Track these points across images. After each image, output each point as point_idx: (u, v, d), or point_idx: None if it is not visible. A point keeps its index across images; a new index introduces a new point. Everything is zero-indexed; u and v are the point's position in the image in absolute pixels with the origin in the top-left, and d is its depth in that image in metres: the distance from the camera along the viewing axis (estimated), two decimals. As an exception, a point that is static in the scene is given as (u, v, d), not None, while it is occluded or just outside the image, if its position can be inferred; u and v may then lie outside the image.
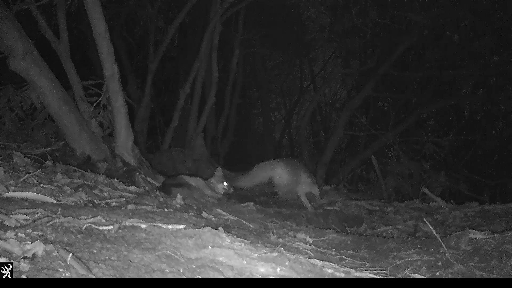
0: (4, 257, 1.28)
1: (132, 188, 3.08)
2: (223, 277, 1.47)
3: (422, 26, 7.49)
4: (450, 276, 1.87)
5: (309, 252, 2.13)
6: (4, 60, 3.68)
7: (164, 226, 1.87)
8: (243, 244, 1.78)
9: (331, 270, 1.69)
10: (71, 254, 1.32)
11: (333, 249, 2.34)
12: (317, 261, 1.76)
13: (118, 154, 4.01)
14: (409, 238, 2.65)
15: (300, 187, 3.98)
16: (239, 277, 1.51)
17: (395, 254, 2.26)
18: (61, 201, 2.28)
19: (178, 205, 2.78)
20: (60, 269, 1.27)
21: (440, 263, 2.00)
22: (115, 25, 7.72)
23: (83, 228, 1.70)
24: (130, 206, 2.41)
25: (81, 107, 4.28)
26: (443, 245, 2.15)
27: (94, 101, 4.39)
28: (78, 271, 1.26)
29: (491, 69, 8.25)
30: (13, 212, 1.79)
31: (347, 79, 10.11)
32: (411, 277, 1.79)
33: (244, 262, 1.60)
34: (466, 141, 9.08)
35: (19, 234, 1.48)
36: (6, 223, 1.63)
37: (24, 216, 1.74)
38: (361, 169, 8.63)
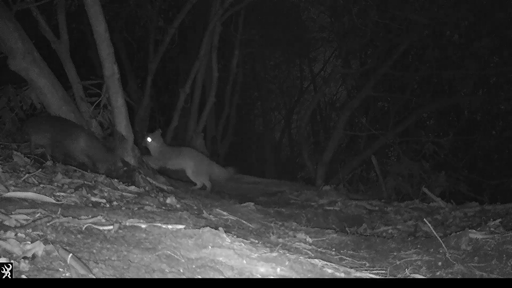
0: (4, 257, 1.27)
1: (132, 188, 3.08)
2: (223, 277, 1.47)
3: (422, 26, 7.48)
4: (450, 276, 1.87)
5: (309, 252, 2.13)
6: (4, 60, 3.68)
7: (164, 226, 1.87)
8: (243, 244, 1.78)
9: (331, 270, 1.69)
10: (71, 254, 1.32)
11: (333, 249, 2.34)
12: (317, 261, 1.76)
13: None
14: (409, 238, 2.65)
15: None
16: (239, 277, 1.51)
17: (395, 254, 2.26)
18: (61, 201, 2.28)
19: (178, 205, 2.78)
20: (60, 269, 1.27)
21: (440, 263, 2.00)
22: (115, 25, 7.72)
23: (83, 228, 1.70)
24: (130, 206, 2.41)
25: (81, 107, 4.27)
26: (443, 245, 2.15)
27: (94, 101, 4.39)
28: (78, 271, 1.26)
29: (491, 69, 8.24)
30: (13, 212, 1.78)
31: (347, 79, 10.11)
32: (411, 277, 1.79)
33: (244, 262, 1.60)
34: (466, 141, 9.07)
35: (19, 234, 1.48)
36: (6, 223, 1.63)
37: (24, 216, 1.74)
38: (361, 169, 8.62)
